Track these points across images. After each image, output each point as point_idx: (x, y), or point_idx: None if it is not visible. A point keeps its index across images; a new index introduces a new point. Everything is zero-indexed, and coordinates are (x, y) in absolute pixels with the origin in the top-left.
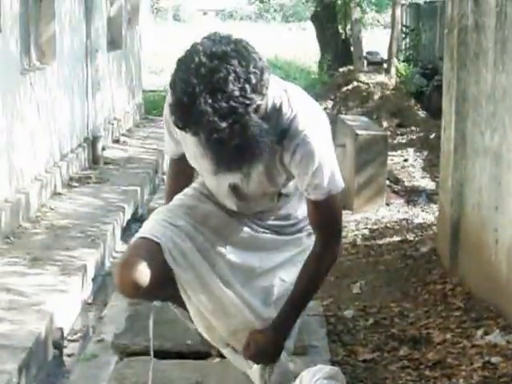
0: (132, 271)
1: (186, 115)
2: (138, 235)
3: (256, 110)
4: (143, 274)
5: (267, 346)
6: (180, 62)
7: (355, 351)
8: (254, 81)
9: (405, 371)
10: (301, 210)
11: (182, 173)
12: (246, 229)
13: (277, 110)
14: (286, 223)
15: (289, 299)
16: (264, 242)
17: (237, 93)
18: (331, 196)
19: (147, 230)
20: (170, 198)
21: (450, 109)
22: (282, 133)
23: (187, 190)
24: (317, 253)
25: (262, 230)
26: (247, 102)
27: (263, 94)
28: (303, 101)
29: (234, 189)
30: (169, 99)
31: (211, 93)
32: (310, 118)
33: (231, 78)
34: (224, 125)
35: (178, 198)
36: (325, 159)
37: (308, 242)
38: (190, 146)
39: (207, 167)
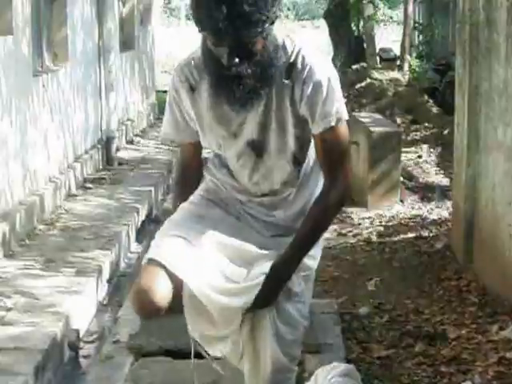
0: (150, 297)
1: (222, 11)
2: (149, 256)
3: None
4: (162, 297)
5: (265, 286)
6: None
7: (370, 348)
8: None
9: (420, 367)
10: None
11: (191, 167)
12: (254, 234)
13: (282, 47)
14: (295, 225)
15: (295, 239)
16: (272, 246)
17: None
18: (340, 124)
19: (156, 251)
20: (180, 197)
21: (462, 104)
22: (290, 66)
23: (193, 198)
24: (325, 191)
25: (271, 233)
26: (270, 11)
27: (278, 14)
28: (304, 42)
29: (253, 146)
30: (177, 82)
31: None
32: (313, 51)
33: None
34: (259, 15)
35: (186, 207)
36: (333, 87)
37: None
38: (206, 114)
39: (224, 133)
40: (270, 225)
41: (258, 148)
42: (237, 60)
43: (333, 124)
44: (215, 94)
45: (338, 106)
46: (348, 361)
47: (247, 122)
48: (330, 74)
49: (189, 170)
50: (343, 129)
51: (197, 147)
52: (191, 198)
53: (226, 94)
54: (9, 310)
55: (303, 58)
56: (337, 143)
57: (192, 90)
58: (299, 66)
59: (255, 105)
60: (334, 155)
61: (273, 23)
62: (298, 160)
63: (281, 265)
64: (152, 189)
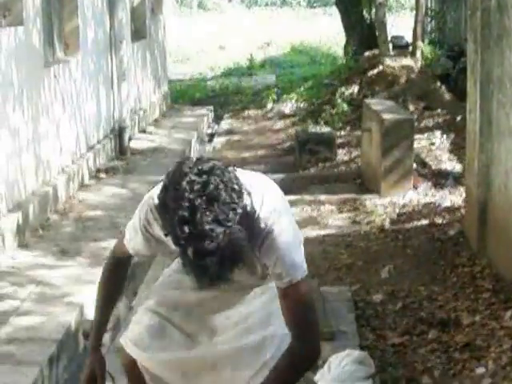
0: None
1: (188, 229)
2: (125, 341)
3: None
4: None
5: None
6: (169, 184)
7: (384, 335)
8: (236, 187)
9: (434, 354)
10: None
11: (124, 272)
12: (216, 293)
13: (246, 213)
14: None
15: None
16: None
17: (228, 200)
18: (294, 285)
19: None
20: (105, 298)
21: (474, 91)
22: (251, 229)
23: (165, 280)
24: (290, 348)
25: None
26: (236, 206)
27: (243, 199)
28: (263, 193)
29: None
30: (151, 218)
31: (208, 203)
32: (270, 211)
33: (221, 187)
34: (220, 230)
35: (159, 292)
36: (284, 250)
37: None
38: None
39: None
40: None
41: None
42: (200, 257)
43: (286, 286)
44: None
45: (291, 267)
46: (362, 348)
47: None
48: (284, 235)
49: (124, 267)
50: (300, 287)
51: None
52: (163, 279)
53: (192, 275)
54: (23, 300)
55: (259, 223)
56: (297, 300)
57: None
58: (256, 231)
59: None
60: (295, 312)
61: (243, 199)
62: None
63: None
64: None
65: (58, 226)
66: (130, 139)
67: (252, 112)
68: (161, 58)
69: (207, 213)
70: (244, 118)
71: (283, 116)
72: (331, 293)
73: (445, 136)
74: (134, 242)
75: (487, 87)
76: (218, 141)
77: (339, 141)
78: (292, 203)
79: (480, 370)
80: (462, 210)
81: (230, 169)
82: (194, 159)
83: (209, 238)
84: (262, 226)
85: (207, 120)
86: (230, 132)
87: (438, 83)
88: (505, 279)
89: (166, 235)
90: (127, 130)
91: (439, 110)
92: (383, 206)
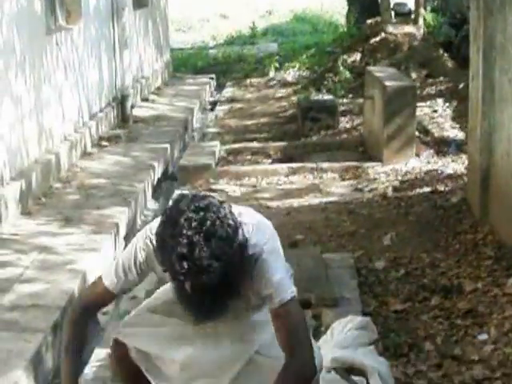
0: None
1: (186, 265)
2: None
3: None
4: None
5: None
6: (167, 221)
7: (387, 302)
8: (232, 222)
9: (436, 321)
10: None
11: (94, 313)
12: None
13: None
14: None
15: None
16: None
17: (224, 235)
18: (284, 304)
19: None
20: (77, 351)
21: (477, 57)
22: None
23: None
24: (283, 368)
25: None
26: (232, 241)
27: (238, 234)
28: (253, 223)
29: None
30: (149, 255)
31: (205, 239)
32: (260, 238)
33: (217, 223)
34: (217, 265)
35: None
36: (273, 272)
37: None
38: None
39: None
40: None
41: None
42: (199, 291)
43: (277, 306)
44: (180, 305)
45: (279, 288)
46: (364, 314)
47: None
48: (272, 259)
49: (92, 316)
50: (292, 305)
51: (110, 301)
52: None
53: (187, 310)
54: (26, 267)
55: (258, 270)
56: (288, 318)
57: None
58: (254, 276)
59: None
60: (287, 330)
61: (235, 262)
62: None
63: None
64: (168, 146)
65: (60, 193)
66: (132, 107)
67: (254, 80)
68: (163, 26)
69: (205, 249)
70: (246, 86)
71: (285, 84)
72: (334, 260)
73: (447, 104)
74: (123, 281)
75: (490, 54)
76: (221, 109)
77: (341, 108)
78: (294, 171)
79: (482, 337)
80: (465, 178)
81: (225, 205)
82: (191, 196)
83: (207, 273)
84: (253, 252)
85: (209, 88)
86: (232, 100)
87: (441, 51)
88: (507, 246)
89: (164, 271)
90: (129, 98)
91: (441, 78)
92: (385, 173)
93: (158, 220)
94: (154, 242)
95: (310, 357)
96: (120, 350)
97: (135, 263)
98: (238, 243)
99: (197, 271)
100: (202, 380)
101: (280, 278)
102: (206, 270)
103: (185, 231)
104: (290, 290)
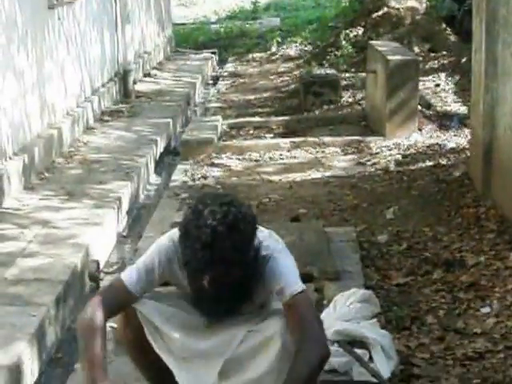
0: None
1: (209, 255)
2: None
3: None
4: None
5: None
6: (192, 214)
7: (389, 275)
8: (251, 220)
9: (439, 294)
10: None
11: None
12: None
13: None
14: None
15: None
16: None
17: (246, 230)
18: (295, 296)
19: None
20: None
21: (479, 31)
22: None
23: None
24: (298, 352)
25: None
26: (252, 238)
27: (256, 233)
28: (265, 233)
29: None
30: (171, 248)
31: (228, 231)
32: (271, 241)
33: (240, 217)
34: (237, 258)
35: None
36: (285, 268)
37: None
38: (186, 287)
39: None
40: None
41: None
42: (217, 286)
43: (289, 297)
44: (195, 305)
45: (291, 280)
46: (367, 288)
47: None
48: (281, 257)
49: (111, 317)
50: (303, 297)
51: (129, 303)
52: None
53: (203, 308)
54: (29, 241)
55: (270, 268)
56: (301, 308)
57: (184, 267)
58: (267, 275)
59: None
60: (301, 317)
61: (251, 258)
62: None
63: None
64: (170, 121)
65: (63, 168)
66: (134, 82)
67: (257, 55)
68: (164, 1)
69: (227, 239)
70: (248, 60)
71: (288, 59)
72: (336, 233)
73: (450, 78)
74: (144, 283)
75: (493, 27)
76: (223, 84)
77: (344, 83)
78: (296, 145)
79: (485, 310)
80: (467, 152)
81: (246, 204)
82: (214, 193)
83: (227, 265)
84: (266, 253)
85: (211, 63)
86: (234, 75)
87: (443, 25)
88: (509, 220)
89: (185, 264)
90: (132, 73)
91: (444, 52)
92: (388, 147)
93: (173, 231)
94: (177, 240)
95: (324, 339)
96: (129, 311)
97: (158, 265)
98: (255, 243)
99: (219, 261)
100: (197, 359)
101: (290, 273)
102: (227, 261)
103: (209, 222)
104: (299, 284)
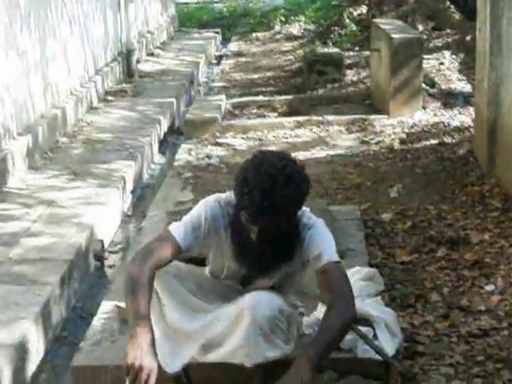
0: None
1: (266, 201)
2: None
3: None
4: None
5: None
6: (250, 164)
7: (393, 254)
8: (306, 177)
9: (443, 272)
10: None
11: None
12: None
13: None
14: None
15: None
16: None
17: (300, 183)
18: (331, 262)
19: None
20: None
21: (484, 8)
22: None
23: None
24: (330, 309)
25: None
26: (305, 193)
27: (309, 191)
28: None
29: (244, 282)
30: (218, 208)
31: (286, 181)
32: (320, 229)
33: (296, 171)
34: (292, 208)
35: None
36: (325, 236)
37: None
38: (227, 250)
39: (233, 267)
40: None
41: (246, 282)
42: (263, 238)
43: (325, 262)
44: (237, 260)
45: (328, 250)
46: (371, 266)
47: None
48: (322, 232)
49: (157, 269)
50: (338, 265)
51: (175, 256)
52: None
53: (246, 261)
54: (34, 221)
55: (310, 235)
56: (335, 272)
57: (228, 226)
58: (307, 241)
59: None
60: (334, 281)
61: (297, 214)
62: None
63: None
64: (174, 100)
65: (67, 148)
66: (137, 62)
67: (260, 34)
68: None
69: (285, 189)
70: (252, 40)
71: (291, 38)
72: (340, 212)
73: (454, 56)
74: (191, 238)
75: (497, 4)
76: (226, 63)
77: (348, 61)
78: (300, 124)
79: (489, 287)
80: (472, 130)
81: (301, 164)
82: (273, 150)
83: (280, 214)
84: (308, 221)
85: (215, 42)
86: (238, 54)
87: (447, 2)
88: None
89: (241, 209)
90: (135, 52)
91: (448, 30)
92: (392, 126)
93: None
94: (225, 199)
95: (352, 302)
96: None
97: (204, 223)
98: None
99: (274, 208)
100: (184, 336)
101: (329, 243)
102: (281, 209)
103: (269, 170)
104: (336, 256)
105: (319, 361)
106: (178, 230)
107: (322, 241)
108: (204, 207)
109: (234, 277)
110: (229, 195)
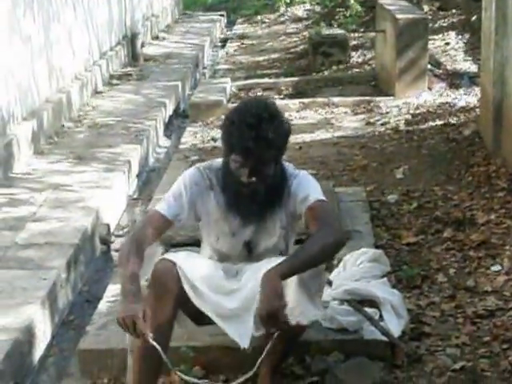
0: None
1: (254, 134)
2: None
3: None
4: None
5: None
6: (236, 108)
7: (399, 235)
8: (287, 120)
9: (449, 253)
10: None
11: (149, 241)
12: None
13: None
14: None
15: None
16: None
17: (284, 122)
18: (318, 201)
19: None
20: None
21: None
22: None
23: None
24: (317, 231)
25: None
26: (288, 133)
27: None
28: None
29: (247, 247)
30: (197, 173)
31: (270, 117)
32: (304, 177)
33: (278, 111)
34: (278, 142)
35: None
36: (311, 181)
37: None
38: (214, 212)
39: (225, 230)
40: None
41: (250, 248)
42: (254, 179)
43: (312, 203)
44: (228, 209)
45: (314, 192)
46: (377, 247)
47: (247, 225)
48: (310, 180)
49: (146, 244)
50: (326, 205)
51: (165, 227)
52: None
53: (239, 208)
54: (40, 205)
55: (297, 182)
56: (321, 208)
57: (211, 188)
58: (294, 187)
59: (262, 218)
60: (321, 215)
61: (282, 155)
62: (282, 253)
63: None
64: (179, 83)
65: (72, 132)
66: (142, 45)
67: (265, 16)
68: None
69: (269, 123)
70: (257, 22)
71: (296, 19)
72: (346, 193)
73: (459, 36)
74: (174, 206)
75: None
76: (231, 45)
77: (353, 43)
78: (306, 106)
79: (495, 268)
80: (477, 110)
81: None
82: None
83: (270, 147)
84: (293, 173)
85: (220, 25)
86: (243, 37)
87: None
88: None
89: (231, 152)
90: (140, 36)
91: (454, 10)
92: (398, 107)
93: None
94: (220, 136)
95: (341, 230)
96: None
97: (185, 189)
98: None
99: (261, 141)
100: (234, 317)
101: (315, 187)
102: (269, 143)
103: (253, 110)
104: (323, 197)
105: (290, 274)
106: (160, 204)
107: (308, 185)
108: (183, 177)
109: (234, 244)
110: (207, 162)
